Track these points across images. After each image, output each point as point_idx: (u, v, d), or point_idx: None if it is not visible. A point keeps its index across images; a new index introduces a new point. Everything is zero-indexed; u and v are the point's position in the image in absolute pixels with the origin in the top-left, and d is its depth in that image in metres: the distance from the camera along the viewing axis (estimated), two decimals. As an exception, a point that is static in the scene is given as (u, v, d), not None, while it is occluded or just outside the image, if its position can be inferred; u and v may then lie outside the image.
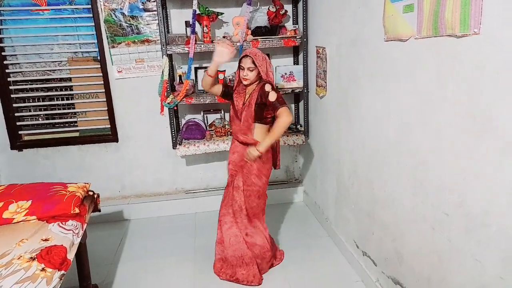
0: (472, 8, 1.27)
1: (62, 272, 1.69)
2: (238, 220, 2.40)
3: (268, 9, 3.04)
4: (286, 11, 3.07)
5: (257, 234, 2.44)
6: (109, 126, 3.28)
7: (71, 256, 1.81)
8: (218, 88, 2.41)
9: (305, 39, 3.05)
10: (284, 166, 3.64)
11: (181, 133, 3.24)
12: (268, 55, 3.27)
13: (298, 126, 3.39)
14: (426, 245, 1.68)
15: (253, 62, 2.23)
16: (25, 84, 3.16)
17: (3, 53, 3.05)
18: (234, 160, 2.41)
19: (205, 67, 3.10)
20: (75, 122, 3.27)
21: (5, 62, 3.06)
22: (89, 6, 3.03)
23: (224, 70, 3.06)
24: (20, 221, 1.96)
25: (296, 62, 3.35)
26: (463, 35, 1.33)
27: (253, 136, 2.31)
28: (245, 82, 2.28)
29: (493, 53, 1.23)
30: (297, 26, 3.15)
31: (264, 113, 2.27)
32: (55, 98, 3.21)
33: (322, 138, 2.96)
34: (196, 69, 3.19)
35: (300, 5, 3.10)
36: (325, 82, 2.74)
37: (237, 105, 2.35)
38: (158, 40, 3.11)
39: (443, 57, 1.46)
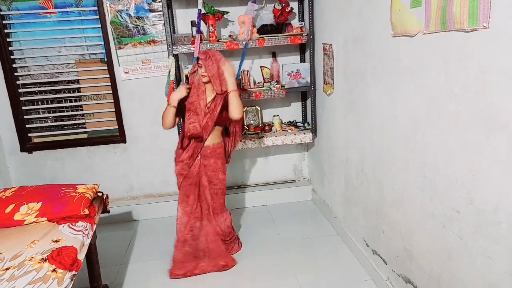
0: (481, 2, 1.24)
1: (73, 272, 1.71)
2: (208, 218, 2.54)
3: (274, 6, 3.02)
4: (292, 8, 3.06)
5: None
6: (117, 127, 3.30)
7: (81, 256, 1.83)
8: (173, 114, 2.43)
9: (311, 37, 3.03)
10: (292, 165, 3.63)
11: (188, 133, 3.24)
12: (274, 53, 3.26)
13: (306, 124, 3.38)
14: (436, 243, 1.67)
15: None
16: (34, 87, 3.19)
17: (12, 57, 3.08)
18: (188, 160, 2.50)
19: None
20: (84, 123, 3.29)
21: (14, 65, 3.10)
22: (96, 8, 3.04)
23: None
24: (31, 223, 1.98)
25: (302, 60, 3.34)
26: (472, 29, 1.31)
27: (209, 137, 2.43)
28: (204, 79, 2.37)
29: (503, 48, 1.21)
30: (303, 23, 3.14)
31: (225, 117, 2.42)
32: (63, 100, 3.24)
33: (330, 136, 2.94)
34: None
35: (306, 2, 3.08)
36: (332, 80, 2.72)
37: (194, 101, 2.39)
38: (164, 40, 3.11)
39: (452, 52, 1.44)
